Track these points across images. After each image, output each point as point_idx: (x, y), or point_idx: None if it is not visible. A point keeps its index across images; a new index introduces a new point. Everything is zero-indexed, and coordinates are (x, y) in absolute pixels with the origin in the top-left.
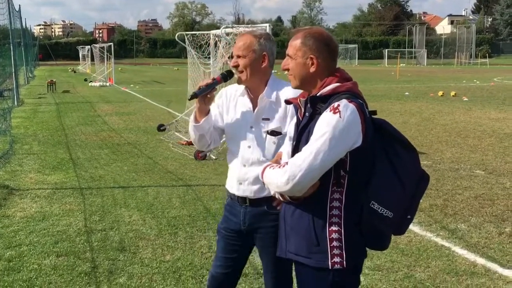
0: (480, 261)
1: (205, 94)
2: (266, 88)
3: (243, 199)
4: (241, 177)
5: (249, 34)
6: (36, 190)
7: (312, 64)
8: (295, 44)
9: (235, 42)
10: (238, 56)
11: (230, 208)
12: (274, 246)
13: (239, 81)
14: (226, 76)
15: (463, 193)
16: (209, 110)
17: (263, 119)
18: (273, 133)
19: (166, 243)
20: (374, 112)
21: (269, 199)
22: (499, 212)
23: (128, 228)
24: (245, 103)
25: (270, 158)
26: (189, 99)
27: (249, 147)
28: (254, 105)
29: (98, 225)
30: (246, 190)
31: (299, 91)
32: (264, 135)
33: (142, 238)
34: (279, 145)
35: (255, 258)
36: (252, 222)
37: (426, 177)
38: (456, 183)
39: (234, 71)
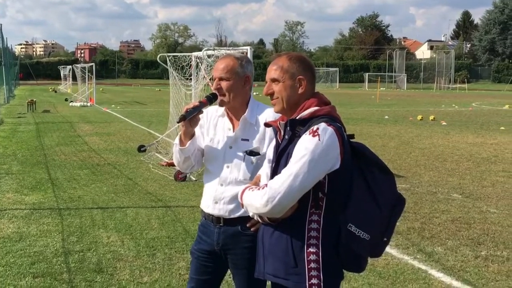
0: (456, 284)
1: (192, 117)
2: (247, 110)
3: (217, 219)
4: (218, 196)
5: (231, 57)
6: (14, 210)
7: (301, 85)
8: (280, 67)
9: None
10: (220, 79)
11: (204, 229)
12: (247, 268)
13: (221, 104)
14: (212, 99)
15: (440, 216)
16: (194, 133)
17: (242, 139)
18: (252, 153)
19: (144, 265)
20: (352, 136)
21: (243, 219)
22: (475, 236)
23: (106, 249)
24: (225, 124)
25: (247, 178)
26: (178, 122)
27: (228, 166)
28: (234, 125)
29: (76, 246)
30: (222, 209)
31: (279, 114)
32: (242, 155)
33: (120, 259)
34: (257, 165)
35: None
36: (226, 243)
37: (402, 200)
38: (433, 207)
39: (217, 93)
